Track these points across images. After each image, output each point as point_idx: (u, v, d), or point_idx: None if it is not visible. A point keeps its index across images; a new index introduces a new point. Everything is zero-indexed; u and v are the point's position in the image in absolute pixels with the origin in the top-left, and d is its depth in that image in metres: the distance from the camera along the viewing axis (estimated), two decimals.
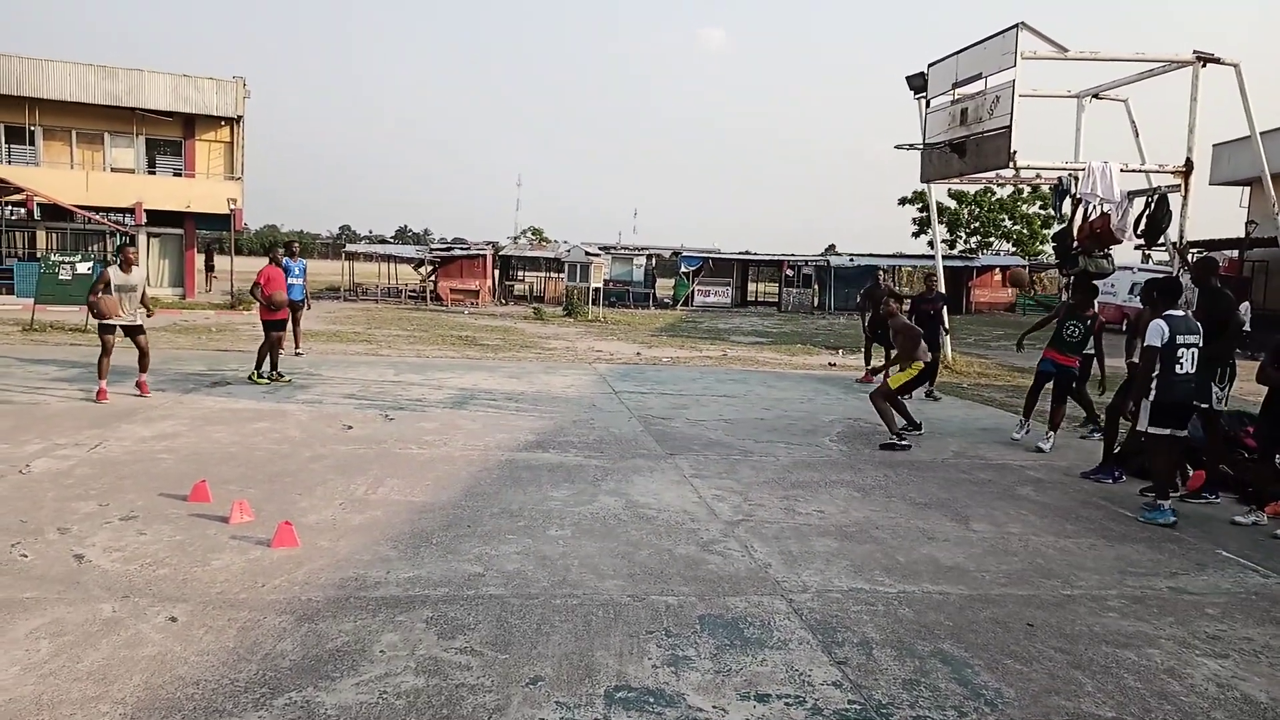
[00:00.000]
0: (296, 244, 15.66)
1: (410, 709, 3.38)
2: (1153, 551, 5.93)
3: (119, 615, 4.10)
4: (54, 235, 29.17)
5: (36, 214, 26.45)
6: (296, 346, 14.60)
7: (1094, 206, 11.22)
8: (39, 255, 26.07)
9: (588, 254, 32.42)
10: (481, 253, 37.40)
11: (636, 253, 41.92)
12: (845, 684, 3.78)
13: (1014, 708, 3.63)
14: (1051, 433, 9.35)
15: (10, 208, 28.04)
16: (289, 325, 14.32)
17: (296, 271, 14.38)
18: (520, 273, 45.68)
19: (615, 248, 43.09)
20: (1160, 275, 9.95)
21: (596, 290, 30.76)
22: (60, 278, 18.29)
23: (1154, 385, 6.78)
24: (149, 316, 10.29)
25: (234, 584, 4.55)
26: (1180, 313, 6.95)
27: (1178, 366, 6.73)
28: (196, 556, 4.92)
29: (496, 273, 39.75)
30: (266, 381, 11.34)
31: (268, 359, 11.61)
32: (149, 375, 10.21)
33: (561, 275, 36.05)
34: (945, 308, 13.48)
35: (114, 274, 9.92)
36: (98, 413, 8.89)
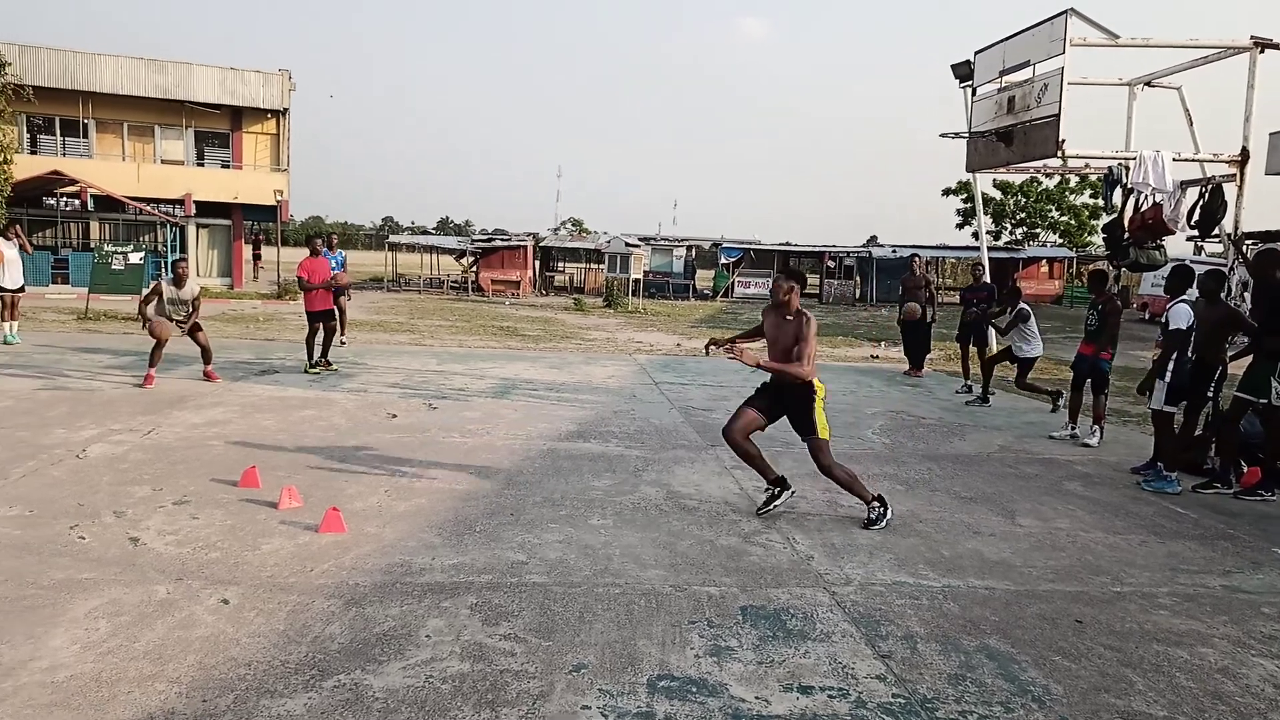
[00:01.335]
0: (335, 236, 15.85)
1: (456, 693, 3.42)
2: (1205, 549, 5.81)
3: (173, 597, 4.20)
4: (107, 226, 29.87)
5: (90, 205, 27.08)
6: (341, 334, 14.76)
7: (1146, 197, 10.99)
8: (92, 246, 26.74)
9: (627, 245, 32.42)
10: (522, 244, 37.58)
11: (676, 244, 41.84)
12: (889, 677, 3.75)
13: (1062, 705, 3.59)
14: (1096, 426, 9.19)
15: (65, 199, 28.78)
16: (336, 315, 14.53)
17: (334, 264, 14.54)
18: (560, 264, 45.85)
19: (655, 239, 43.03)
20: (1212, 267, 9.74)
21: (636, 281, 30.76)
22: (113, 268, 18.73)
23: (1171, 369, 7.35)
24: (188, 320, 10.35)
25: (283, 568, 4.63)
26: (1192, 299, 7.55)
27: (1190, 351, 7.40)
28: (247, 541, 5.01)
29: (537, 264, 39.92)
30: (317, 371, 11.51)
31: (318, 349, 11.74)
32: (168, 368, 10.40)
33: (601, 266, 36.13)
34: (993, 299, 13.20)
35: (166, 288, 10.12)
36: (150, 399, 9.10)
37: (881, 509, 5.90)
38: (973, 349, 12.76)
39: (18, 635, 3.72)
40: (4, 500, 5.55)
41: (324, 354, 11.82)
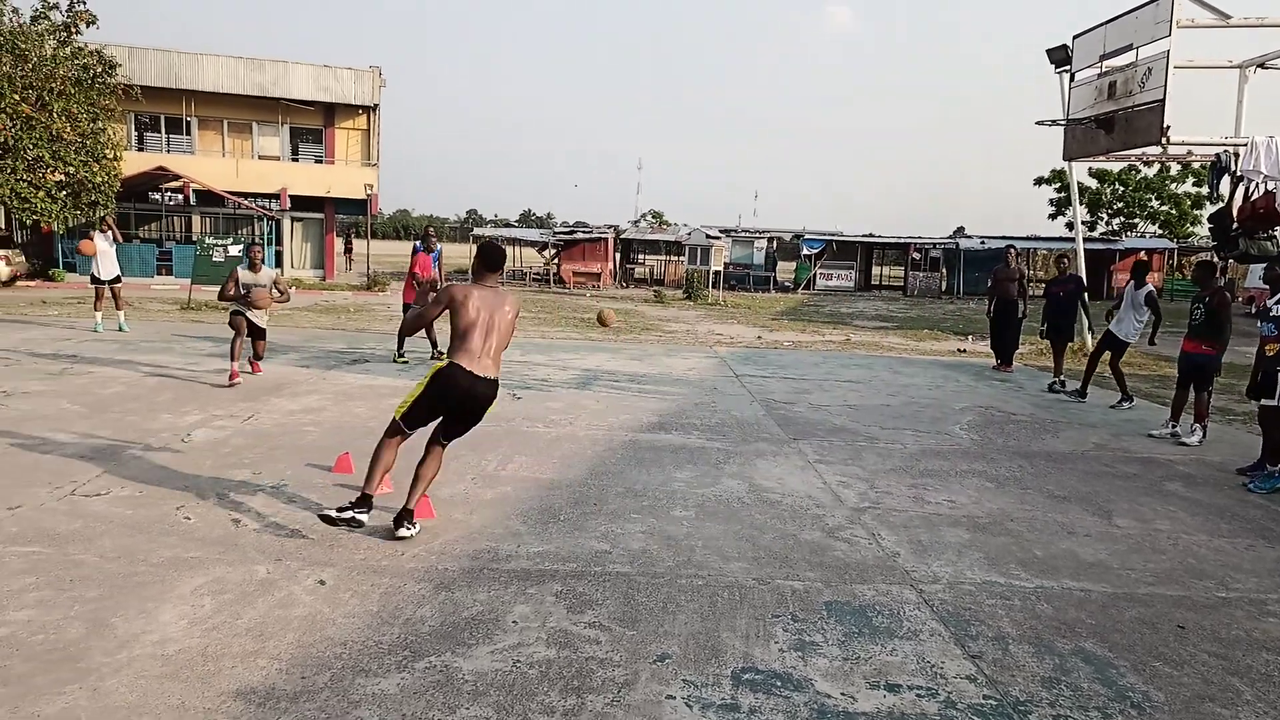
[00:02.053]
0: (432, 229, 16.22)
1: (542, 679, 3.48)
2: None
3: (273, 576, 4.37)
4: (207, 220, 31.17)
5: (192, 200, 28.28)
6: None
7: (1257, 184, 10.48)
8: (194, 238, 27.92)
9: (708, 237, 32.32)
10: (603, 236, 37.79)
11: (757, 235, 41.54)
12: (980, 678, 3.67)
13: (1163, 712, 3.46)
14: (1197, 425, 8.80)
15: (169, 194, 30.11)
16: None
17: (431, 258, 14.85)
18: (640, 256, 45.96)
19: (735, 230, 42.78)
20: None
21: (716, 273, 30.67)
22: (214, 259, 19.51)
23: None
24: (282, 298, 10.60)
25: (376, 551, 4.77)
26: None
27: None
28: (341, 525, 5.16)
29: (617, 256, 40.11)
30: (405, 361, 11.80)
31: (427, 340, 12.19)
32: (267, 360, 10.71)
33: (681, 258, 36.10)
34: (1081, 292, 12.69)
35: (243, 273, 10.44)
36: (248, 387, 9.45)
37: None
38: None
39: (131, 610, 3.92)
40: (116, 481, 5.84)
41: (433, 345, 12.22)
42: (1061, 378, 11.93)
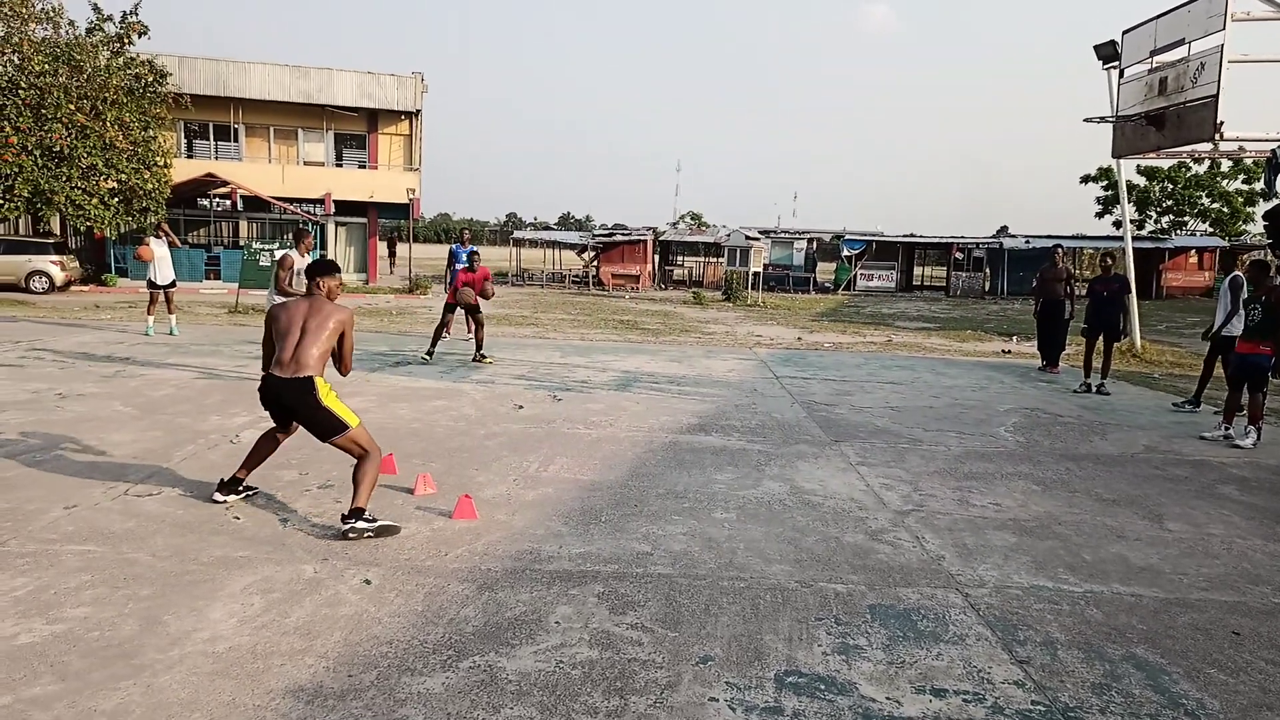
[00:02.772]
0: (467, 231, 16.34)
1: (586, 679, 3.49)
2: None
3: (320, 576, 4.43)
4: (254, 225, 31.71)
5: (240, 205, 28.79)
6: (468, 332, 15.18)
7: None
8: (241, 243, 28.44)
9: (747, 238, 32.18)
10: (642, 238, 37.82)
11: (796, 236, 41.29)
12: (1028, 684, 3.61)
13: None
14: (1251, 427, 8.58)
15: (217, 200, 30.71)
16: (467, 313, 15.00)
17: (463, 258, 14.98)
18: (679, 257, 45.92)
19: (775, 231, 42.59)
20: None
21: (756, 275, 30.52)
22: (261, 264, 19.85)
23: None
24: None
25: (420, 551, 4.82)
26: None
27: None
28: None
29: (656, 258, 40.11)
30: (490, 360, 12.22)
31: (477, 339, 12.51)
32: None
33: (720, 260, 36.03)
34: (1126, 291, 12.20)
35: (296, 259, 10.49)
36: None
37: None
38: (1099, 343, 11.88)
39: (182, 608, 4.00)
40: (168, 481, 5.97)
41: (477, 346, 12.44)
42: (1099, 380, 11.54)
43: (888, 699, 3.45)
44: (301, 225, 11.04)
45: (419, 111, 31.44)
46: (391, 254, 44.78)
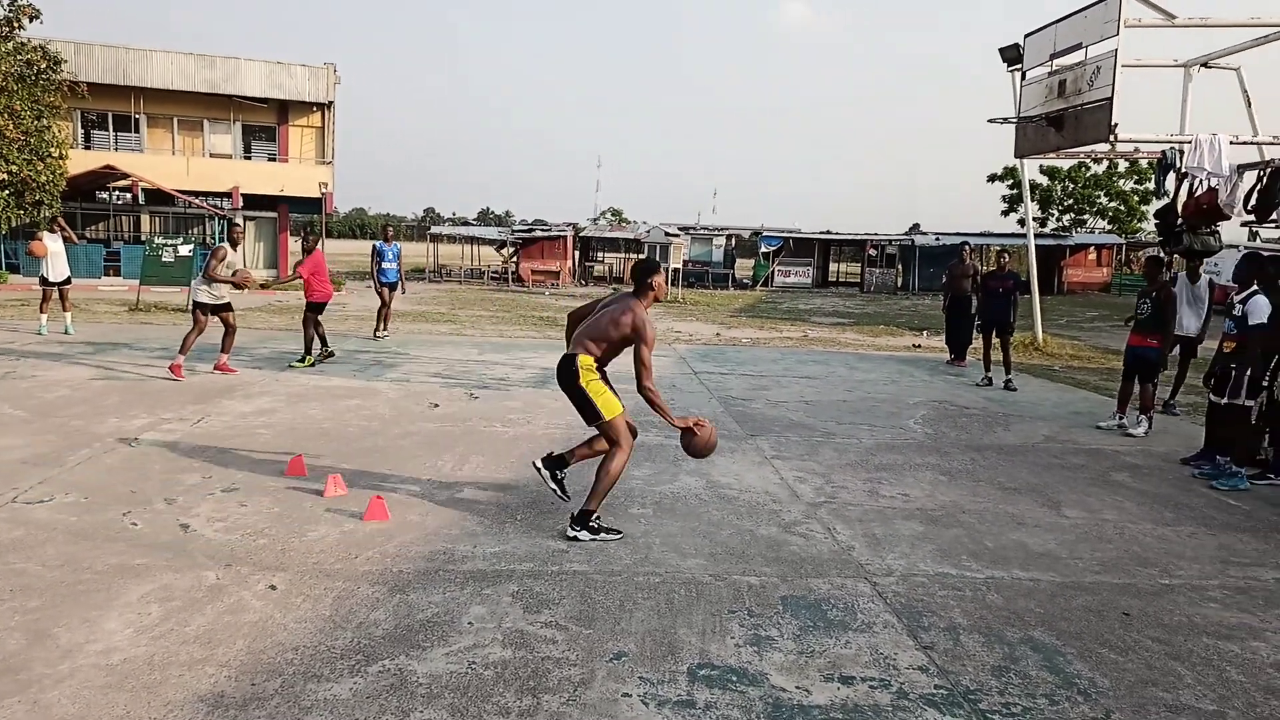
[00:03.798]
0: (391, 228, 16.05)
1: (498, 679, 3.46)
2: (1258, 541, 5.67)
3: (223, 582, 4.30)
4: (157, 219, 30.55)
5: (141, 199, 27.69)
6: (383, 329, 14.88)
7: (1201, 181, 10.73)
8: (143, 238, 27.35)
9: (667, 234, 32.35)
10: (562, 234, 37.69)
11: (716, 233, 41.66)
12: (932, 669, 3.72)
13: (1109, 698, 3.53)
14: (1141, 416, 9.00)
15: (117, 193, 29.46)
16: (381, 308, 14.70)
17: (390, 255, 14.70)
18: (600, 253, 45.87)
19: (694, 228, 42.88)
20: (1271, 253, 9.47)
21: (675, 271, 30.70)
22: (163, 260, 19.09)
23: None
24: (243, 290, 10.59)
25: (329, 555, 4.71)
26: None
27: None
28: (293, 528, 5.11)
29: (576, 254, 40.02)
30: (313, 363, 11.31)
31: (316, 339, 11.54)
32: (230, 357, 10.54)
33: (641, 256, 36.11)
34: (1018, 288, 12.46)
35: (229, 252, 10.28)
36: (199, 389, 9.29)
37: None
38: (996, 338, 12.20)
39: (74, 619, 3.83)
40: (60, 487, 5.71)
41: (323, 342, 11.67)
42: (1006, 376, 11.85)
43: (797, 688, 3.51)
44: (233, 220, 10.79)
45: (331, 103, 30.70)
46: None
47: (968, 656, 3.85)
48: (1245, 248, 25.54)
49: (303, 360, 11.14)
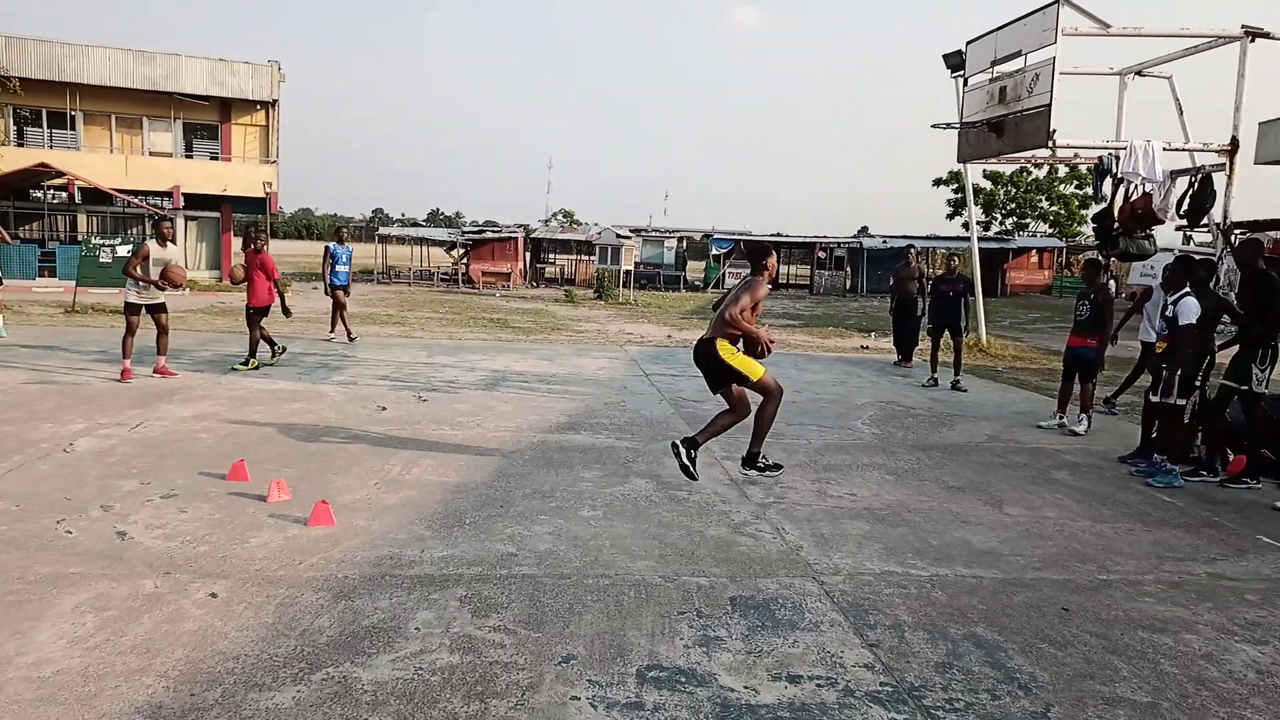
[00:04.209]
0: (345, 230, 15.81)
1: (445, 685, 3.42)
2: (1191, 537, 5.85)
3: (161, 591, 4.19)
4: (94, 219, 29.70)
5: (77, 198, 26.91)
6: (343, 331, 14.65)
7: (1136, 186, 11.02)
8: (80, 238, 26.59)
9: (618, 236, 32.36)
10: (513, 235, 37.52)
11: (667, 235, 41.81)
12: (877, 666, 3.77)
13: (1048, 691, 3.61)
14: (1083, 415, 9.22)
15: (52, 192, 28.59)
16: (336, 311, 14.44)
17: (345, 258, 14.49)
18: (551, 255, 45.77)
19: (646, 230, 43.00)
20: (1202, 256, 9.76)
21: (627, 273, 30.73)
22: (101, 260, 18.64)
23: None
24: (175, 287, 10.33)
25: (272, 561, 4.62)
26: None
27: None
28: (235, 534, 5.00)
29: (528, 255, 39.89)
30: (272, 363, 11.34)
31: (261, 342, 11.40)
32: (168, 360, 10.29)
33: (592, 258, 36.08)
34: (969, 291, 12.70)
35: (153, 248, 10.04)
36: (138, 393, 9.06)
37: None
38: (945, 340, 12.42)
39: (3, 631, 3.70)
40: None
41: (270, 344, 11.55)
42: (954, 376, 12.05)
43: (745, 688, 3.53)
44: (161, 217, 10.52)
45: (276, 101, 30.15)
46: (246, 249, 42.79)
47: (912, 653, 3.91)
48: (1179, 251, 26.36)
49: (246, 363, 10.94)
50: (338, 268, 14.31)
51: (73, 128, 28.87)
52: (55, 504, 5.39)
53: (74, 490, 5.68)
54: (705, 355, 6.39)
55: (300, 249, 70.76)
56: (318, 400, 9.12)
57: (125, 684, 3.33)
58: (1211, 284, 7.92)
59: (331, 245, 14.50)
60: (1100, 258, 11.12)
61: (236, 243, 31.18)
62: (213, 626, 3.83)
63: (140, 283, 9.89)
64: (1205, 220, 10.90)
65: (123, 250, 18.75)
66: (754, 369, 6.31)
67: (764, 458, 6.64)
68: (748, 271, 6.77)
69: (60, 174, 25.72)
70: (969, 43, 13.88)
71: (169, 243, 10.21)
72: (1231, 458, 7.56)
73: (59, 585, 4.20)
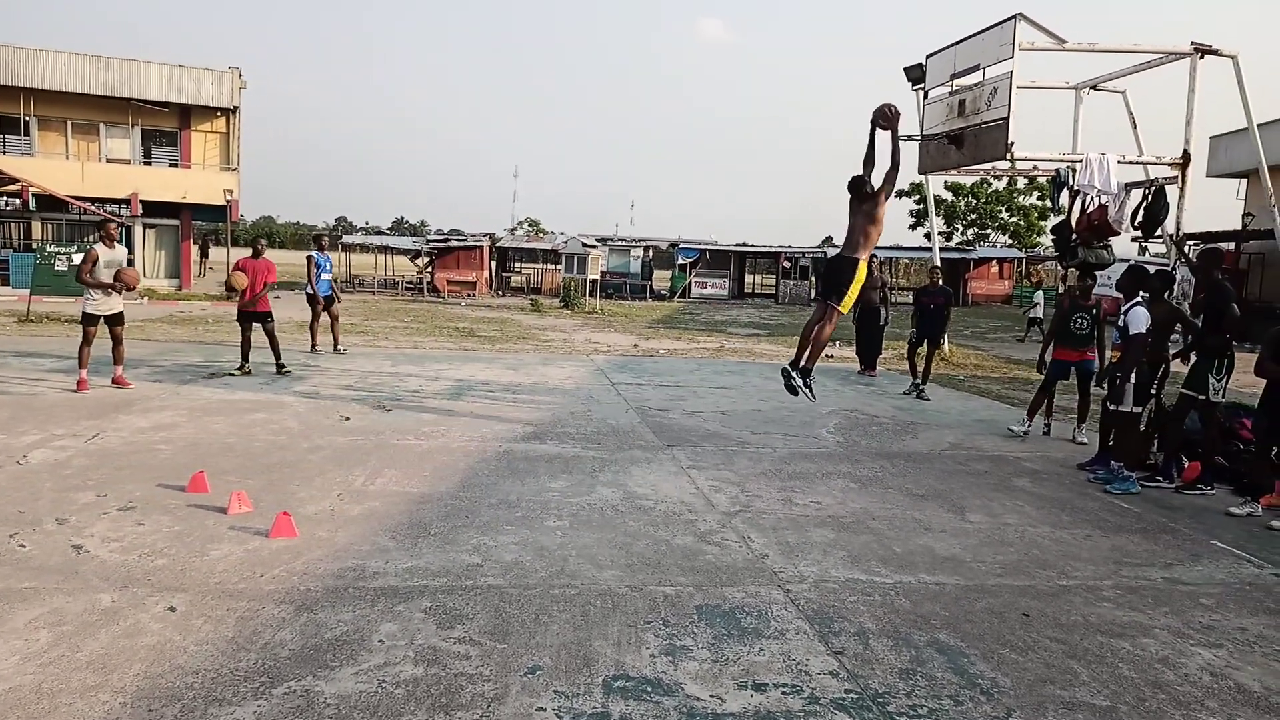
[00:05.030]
0: (326, 238, 15.61)
1: (409, 698, 3.39)
2: (1148, 542, 5.96)
3: (118, 605, 4.11)
4: (49, 226, 29.09)
5: (32, 205, 26.35)
6: (329, 343, 14.46)
7: (1092, 198, 11.25)
8: (34, 246, 26.03)
9: (585, 245, 32.35)
10: (478, 244, 37.33)
11: (633, 244, 41.83)
12: (842, 673, 3.79)
13: (1009, 697, 3.66)
14: (1081, 425, 9.42)
15: (5, 199, 27.97)
16: (323, 320, 14.20)
17: (329, 267, 14.29)
18: (517, 264, 45.67)
19: (612, 239, 43.00)
20: (1157, 267, 9.98)
21: (593, 282, 30.72)
22: (56, 269, 18.27)
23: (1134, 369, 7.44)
24: (130, 290, 10.18)
25: (232, 574, 4.56)
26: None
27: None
28: (195, 547, 4.92)
29: (493, 264, 39.69)
30: (248, 372, 11.33)
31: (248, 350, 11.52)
32: (125, 369, 10.09)
33: (558, 267, 36.00)
34: (950, 304, 12.72)
35: (101, 250, 9.84)
36: (95, 404, 8.89)
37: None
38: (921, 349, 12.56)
39: None
40: None
41: (243, 356, 11.55)
42: (921, 384, 12.18)
43: (711, 696, 3.53)
44: (105, 219, 10.34)
45: (237, 108, 29.79)
46: (204, 255, 42.18)
47: (877, 660, 3.94)
48: (1135, 261, 26.88)
49: (240, 368, 11.17)
50: (323, 276, 14.09)
51: (27, 133, 28.28)
52: (8, 517, 5.27)
53: (28, 503, 5.56)
54: (845, 267, 7.71)
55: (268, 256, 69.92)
56: (280, 410, 9.01)
57: (81, 700, 3.26)
58: (1166, 294, 8.09)
59: (314, 254, 14.27)
60: (1059, 268, 11.33)
61: (195, 251, 30.81)
62: (171, 641, 3.76)
63: (96, 289, 9.71)
64: (1159, 231, 11.15)
65: (78, 258, 18.39)
66: (848, 303, 7.84)
67: (812, 375, 8.06)
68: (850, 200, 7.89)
69: (13, 180, 25.17)
70: (929, 56, 14.10)
71: (115, 243, 10.02)
72: (1187, 465, 7.72)
73: (11, 600, 4.10)
